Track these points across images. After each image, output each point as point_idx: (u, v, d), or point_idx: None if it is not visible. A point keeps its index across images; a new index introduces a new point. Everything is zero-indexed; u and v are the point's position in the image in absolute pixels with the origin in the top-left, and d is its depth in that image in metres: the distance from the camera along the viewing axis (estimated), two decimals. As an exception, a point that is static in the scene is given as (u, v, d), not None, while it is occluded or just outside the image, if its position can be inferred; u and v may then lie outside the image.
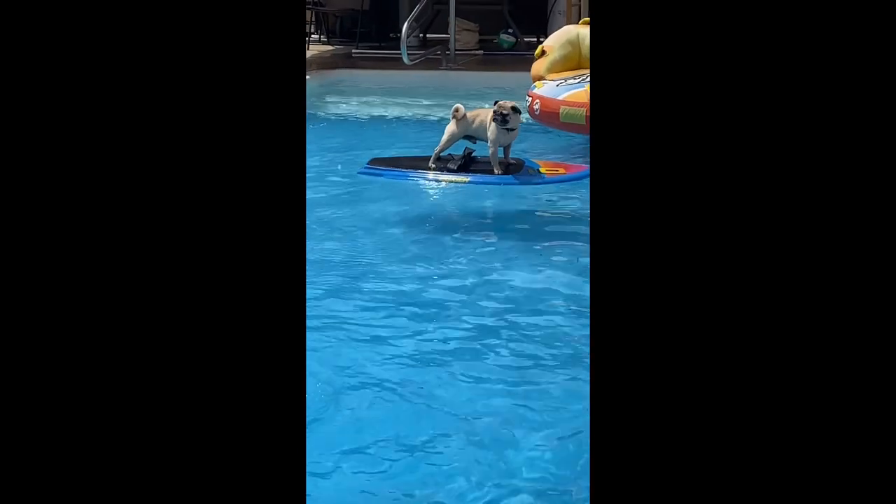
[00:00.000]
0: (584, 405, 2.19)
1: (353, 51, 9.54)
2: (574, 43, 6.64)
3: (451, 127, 5.04)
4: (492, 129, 4.85)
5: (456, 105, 5.11)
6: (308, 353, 1.58)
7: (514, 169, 5.03)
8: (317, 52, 9.85)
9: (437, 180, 5.09)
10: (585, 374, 2.64)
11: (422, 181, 5.11)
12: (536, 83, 6.09)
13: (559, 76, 6.16)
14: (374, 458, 2.43)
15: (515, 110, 4.80)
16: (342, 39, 10.12)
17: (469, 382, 2.87)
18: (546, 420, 2.50)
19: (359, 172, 5.18)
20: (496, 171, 4.95)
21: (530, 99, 5.66)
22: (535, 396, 2.67)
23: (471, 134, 5.02)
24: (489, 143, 4.90)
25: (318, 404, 2.70)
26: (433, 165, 5.08)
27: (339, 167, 5.64)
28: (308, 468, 1.32)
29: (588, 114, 5.29)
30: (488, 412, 2.63)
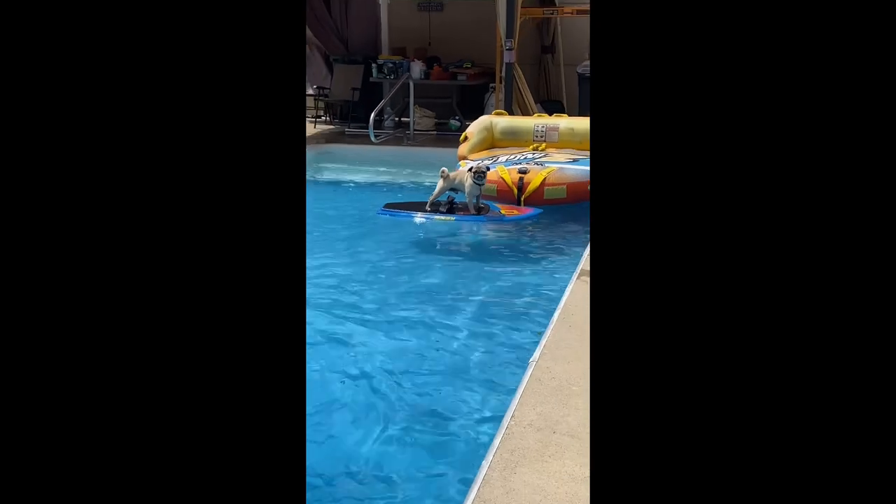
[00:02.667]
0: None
1: (346, 129, 10.45)
2: (488, 128, 7.90)
3: (440, 183, 6.40)
4: (468, 184, 6.20)
5: (443, 168, 6.45)
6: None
7: (484, 211, 6.35)
8: (323, 129, 10.79)
9: (431, 218, 6.42)
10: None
11: (421, 219, 6.45)
12: (461, 161, 7.02)
13: (477, 156, 7.12)
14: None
15: (483, 174, 6.15)
16: (341, 121, 10.97)
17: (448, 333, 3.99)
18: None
19: (378, 213, 6.56)
20: (471, 212, 6.29)
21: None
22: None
23: (454, 187, 6.40)
24: (466, 194, 6.25)
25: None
26: (429, 208, 6.47)
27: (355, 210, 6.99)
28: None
29: (497, 186, 6.53)
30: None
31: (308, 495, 2.39)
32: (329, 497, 2.81)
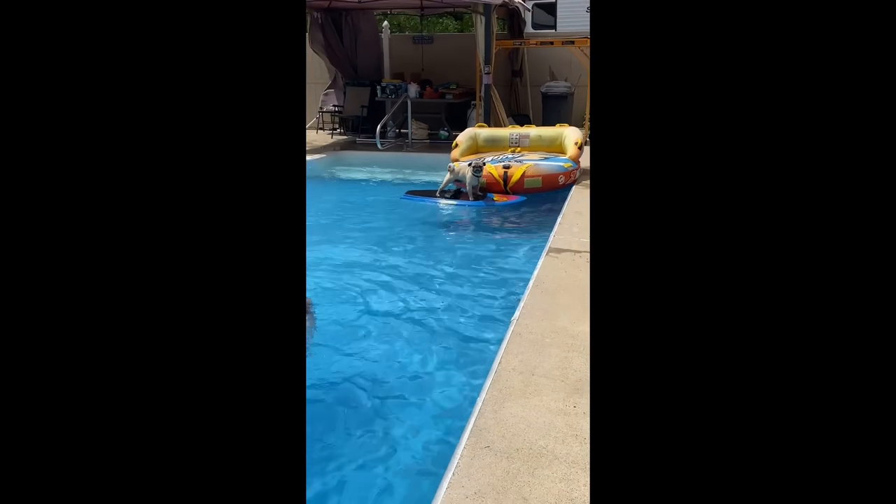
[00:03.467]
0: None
1: (357, 139, 10.43)
2: (473, 138, 7.91)
3: (447, 175, 6.62)
4: (469, 176, 6.40)
5: (450, 164, 6.69)
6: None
7: (481, 198, 6.50)
8: (338, 139, 10.71)
9: (439, 202, 6.60)
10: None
11: (433, 203, 6.62)
12: (454, 162, 7.05)
13: (467, 158, 7.18)
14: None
15: (479, 168, 6.37)
16: (353, 132, 10.86)
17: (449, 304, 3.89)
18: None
19: (401, 198, 6.71)
20: (471, 199, 6.42)
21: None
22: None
23: (458, 178, 6.58)
24: (467, 183, 6.42)
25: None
26: (438, 195, 6.63)
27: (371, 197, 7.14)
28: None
29: (487, 179, 6.59)
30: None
31: (330, 397, 2.81)
32: (352, 396, 2.87)
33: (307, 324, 3.62)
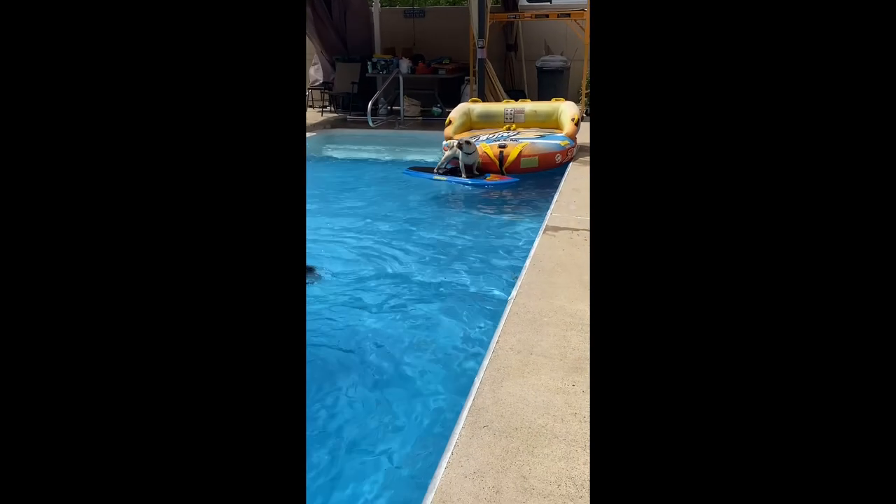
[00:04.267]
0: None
1: (347, 116, 10.40)
2: (467, 114, 7.78)
3: (446, 153, 6.69)
4: (461, 155, 6.44)
5: (449, 142, 6.75)
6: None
7: (476, 176, 6.48)
8: (328, 117, 10.58)
9: (438, 179, 6.61)
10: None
11: (432, 178, 6.64)
12: (447, 140, 7.06)
13: (460, 136, 7.12)
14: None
15: (469, 143, 6.38)
16: (343, 110, 10.84)
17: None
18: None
19: (404, 173, 6.84)
20: (464, 176, 6.45)
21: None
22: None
23: (455, 156, 6.56)
24: (460, 161, 6.46)
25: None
26: (436, 171, 6.69)
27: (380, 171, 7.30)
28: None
29: (482, 159, 6.57)
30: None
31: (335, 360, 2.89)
32: (359, 363, 2.92)
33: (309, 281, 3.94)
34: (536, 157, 6.52)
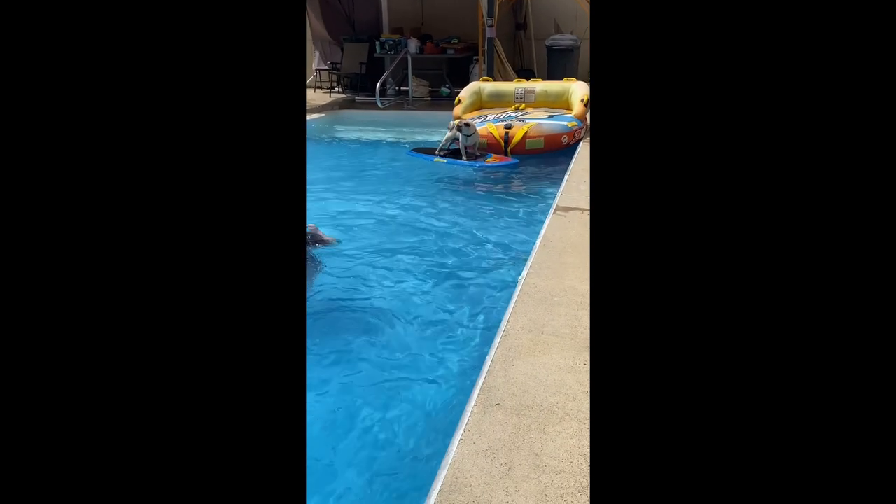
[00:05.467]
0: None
1: (356, 97, 10.35)
2: (477, 93, 7.80)
3: (448, 134, 6.54)
4: (461, 136, 6.32)
5: (450, 122, 6.60)
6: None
7: (479, 157, 6.36)
8: (336, 98, 10.56)
9: (439, 161, 6.49)
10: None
11: (434, 159, 6.54)
12: (455, 119, 6.93)
13: (470, 115, 7.14)
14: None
15: (468, 125, 6.25)
16: (351, 91, 10.81)
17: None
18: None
19: (407, 153, 6.80)
20: (464, 158, 6.34)
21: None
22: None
23: (455, 138, 6.44)
24: (460, 143, 6.34)
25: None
26: (438, 153, 6.57)
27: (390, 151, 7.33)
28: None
29: (487, 140, 6.51)
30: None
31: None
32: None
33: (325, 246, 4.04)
34: (542, 139, 6.46)
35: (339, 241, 4.23)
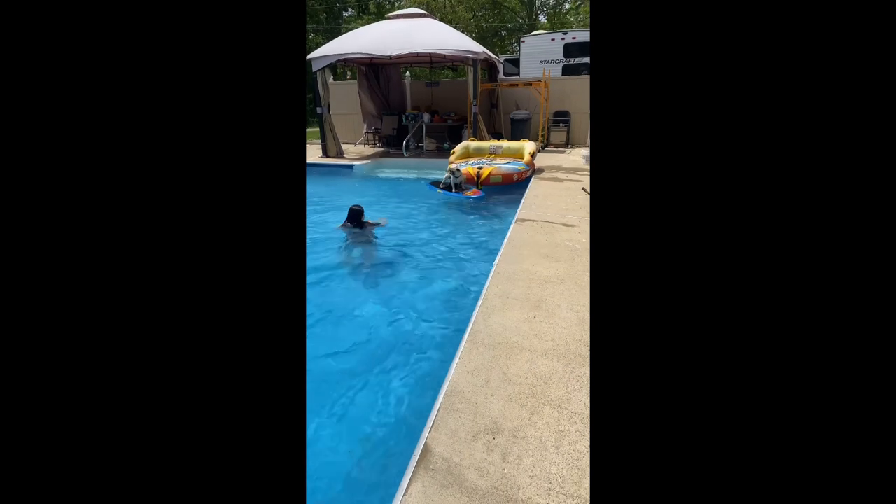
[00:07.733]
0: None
1: (390, 150, 9.76)
2: (466, 148, 7.51)
3: (446, 174, 6.06)
4: (452, 178, 5.98)
5: (448, 167, 6.19)
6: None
7: (460, 191, 5.96)
8: (377, 151, 10.26)
9: (434, 190, 6.14)
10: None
11: (437, 190, 6.14)
12: (450, 164, 6.79)
13: (460, 162, 6.92)
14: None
15: (458, 170, 5.95)
16: (387, 146, 10.17)
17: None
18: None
19: (426, 185, 6.33)
20: (453, 191, 5.94)
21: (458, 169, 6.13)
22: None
23: (450, 177, 6.01)
24: (452, 182, 5.93)
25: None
26: (441, 186, 6.16)
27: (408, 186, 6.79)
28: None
29: (466, 175, 6.22)
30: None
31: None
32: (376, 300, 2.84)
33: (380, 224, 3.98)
34: (501, 176, 6.40)
35: (388, 221, 4.28)
